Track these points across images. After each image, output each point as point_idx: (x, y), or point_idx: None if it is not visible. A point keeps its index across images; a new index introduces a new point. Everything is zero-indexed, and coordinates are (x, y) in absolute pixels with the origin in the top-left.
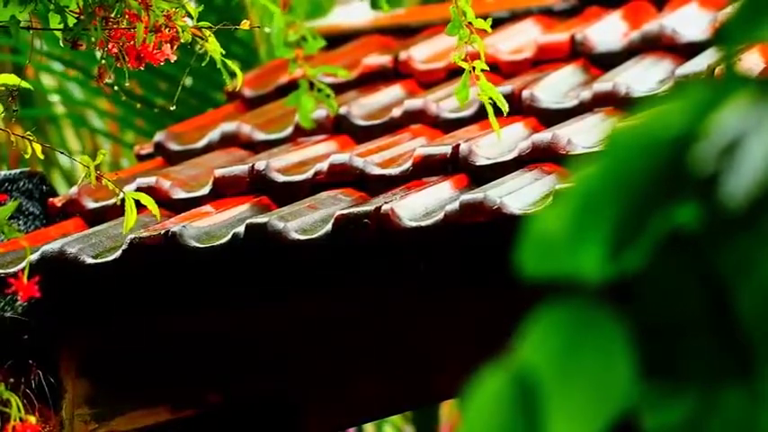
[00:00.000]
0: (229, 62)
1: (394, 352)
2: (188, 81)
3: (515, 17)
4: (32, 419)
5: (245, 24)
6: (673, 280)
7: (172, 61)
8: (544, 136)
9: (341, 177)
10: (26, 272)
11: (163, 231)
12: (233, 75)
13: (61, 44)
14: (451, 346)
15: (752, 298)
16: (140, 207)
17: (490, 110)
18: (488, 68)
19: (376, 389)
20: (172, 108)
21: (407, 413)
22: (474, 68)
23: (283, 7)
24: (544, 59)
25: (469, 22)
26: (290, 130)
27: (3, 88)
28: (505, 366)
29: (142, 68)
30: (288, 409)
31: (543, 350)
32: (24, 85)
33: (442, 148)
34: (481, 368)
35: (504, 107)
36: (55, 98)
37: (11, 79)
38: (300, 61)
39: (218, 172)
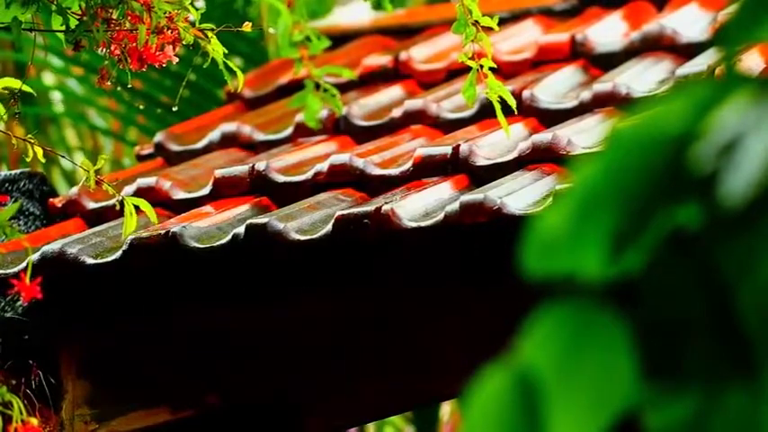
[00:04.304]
0: (233, 62)
1: (394, 352)
2: (192, 78)
3: (515, 17)
4: (34, 421)
5: (247, 26)
6: (674, 279)
7: (174, 63)
8: (544, 136)
9: (341, 178)
10: (28, 273)
11: (163, 232)
12: (235, 74)
13: (65, 45)
14: (452, 346)
15: (753, 297)
16: (139, 208)
17: (498, 108)
18: (490, 69)
19: (376, 389)
20: (174, 108)
21: (407, 413)
22: (481, 67)
23: (288, 6)
24: (544, 60)
25: (476, 21)
26: (290, 130)
27: (6, 92)
28: (507, 366)
29: (144, 69)
30: (288, 409)
31: (545, 350)
32: (26, 89)
33: (442, 148)
34: (482, 368)
35: (513, 105)
36: (56, 95)
37: (13, 83)
38: (305, 61)
39: (219, 172)
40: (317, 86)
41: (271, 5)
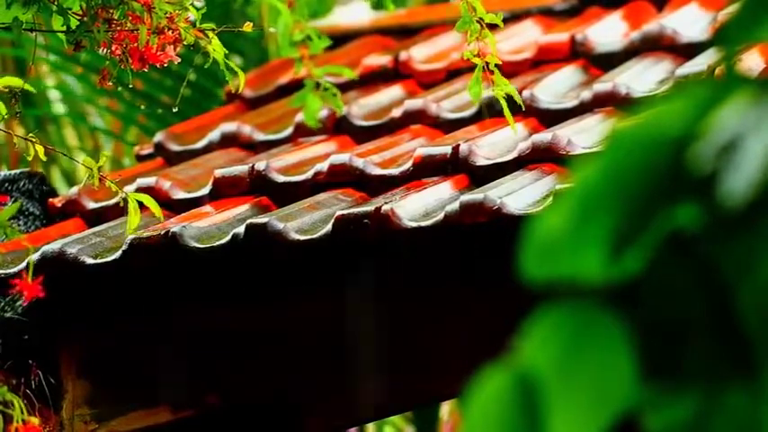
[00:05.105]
0: (233, 62)
1: (394, 352)
2: (193, 77)
3: (515, 17)
4: (35, 421)
5: (248, 26)
6: (674, 280)
7: (175, 62)
8: (544, 136)
9: (341, 177)
10: (30, 272)
11: (163, 231)
12: (236, 74)
13: (65, 46)
14: (452, 346)
15: (753, 297)
16: (141, 207)
17: (506, 106)
18: (495, 66)
19: (376, 389)
20: (175, 109)
21: (407, 413)
22: (487, 64)
23: (289, 6)
24: (544, 60)
25: (480, 18)
26: (290, 130)
27: (6, 90)
28: (507, 366)
29: (146, 69)
30: (288, 409)
31: (545, 350)
32: (28, 87)
33: (442, 148)
34: (482, 368)
35: (521, 102)
36: (55, 94)
37: (14, 81)
38: (306, 61)
39: (218, 172)
40: (317, 86)
41: (271, 5)
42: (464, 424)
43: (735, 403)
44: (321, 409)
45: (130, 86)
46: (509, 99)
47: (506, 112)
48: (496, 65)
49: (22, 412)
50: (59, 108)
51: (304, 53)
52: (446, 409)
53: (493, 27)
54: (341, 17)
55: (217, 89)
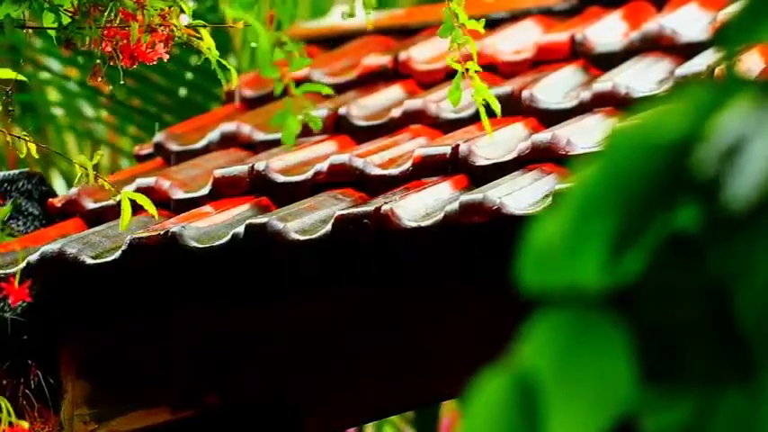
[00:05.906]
0: (229, 61)
1: (394, 352)
2: (192, 77)
3: (515, 17)
4: (25, 425)
5: (238, 23)
6: (672, 282)
7: (165, 60)
8: (544, 136)
9: (341, 178)
10: (18, 276)
11: (162, 232)
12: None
13: (56, 43)
14: (451, 346)
15: (751, 300)
16: (141, 208)
17: (483, 111)
18: (483, 70)
19: (376, 389)
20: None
21: (407, 413)
22: (467, 70)
23: (269, 21)
24: (544, 60)
25: (462, 24)
26: None
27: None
28: (506, 368)
29: (135, 66)
30: (288, 409)
31: (544, 352)
32: (21, 77)
33: (442, 148)
34: (481, 369)
35: (497, 108)
36: (54, 97)
37: (7, 74)
38: (286, 80)
39: (218, 172)
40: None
41: (251, 26)
42: (463, 425)
43: (733, 405)
44: (321, 409)
45: (129, 88)
46: (507, 100)
47: (484, 118)
48: (489, 66)
49: (10, 415)
50: (59, 112)
51: (284, 72)
52: (446, 409)
53: (483, 30)
54: (340, 17)
55: (216, 89)
